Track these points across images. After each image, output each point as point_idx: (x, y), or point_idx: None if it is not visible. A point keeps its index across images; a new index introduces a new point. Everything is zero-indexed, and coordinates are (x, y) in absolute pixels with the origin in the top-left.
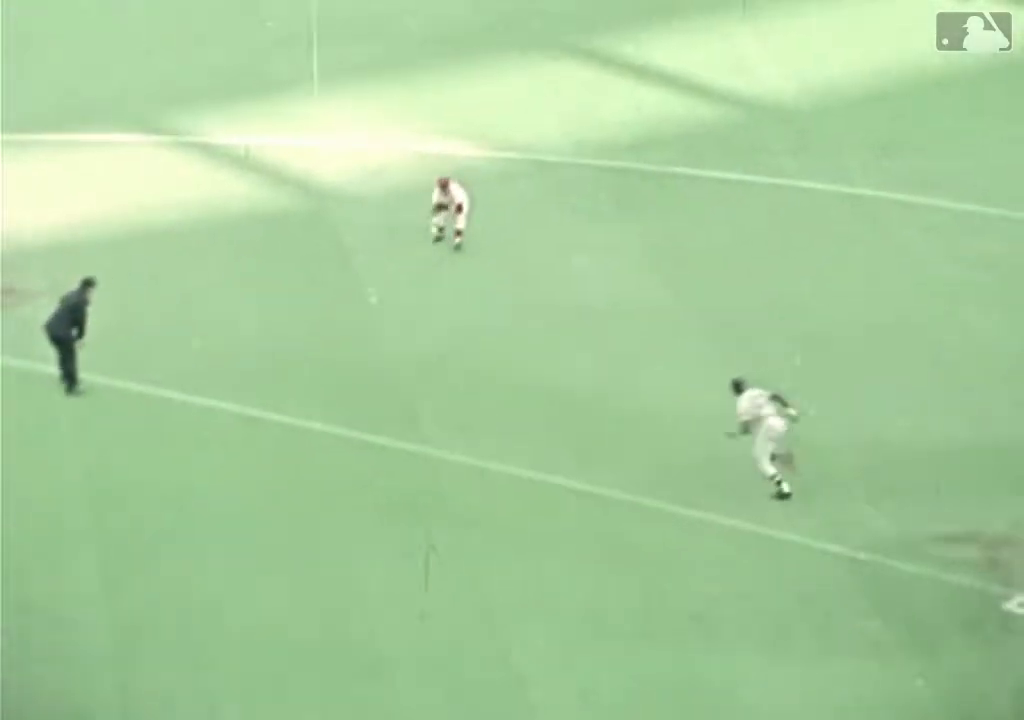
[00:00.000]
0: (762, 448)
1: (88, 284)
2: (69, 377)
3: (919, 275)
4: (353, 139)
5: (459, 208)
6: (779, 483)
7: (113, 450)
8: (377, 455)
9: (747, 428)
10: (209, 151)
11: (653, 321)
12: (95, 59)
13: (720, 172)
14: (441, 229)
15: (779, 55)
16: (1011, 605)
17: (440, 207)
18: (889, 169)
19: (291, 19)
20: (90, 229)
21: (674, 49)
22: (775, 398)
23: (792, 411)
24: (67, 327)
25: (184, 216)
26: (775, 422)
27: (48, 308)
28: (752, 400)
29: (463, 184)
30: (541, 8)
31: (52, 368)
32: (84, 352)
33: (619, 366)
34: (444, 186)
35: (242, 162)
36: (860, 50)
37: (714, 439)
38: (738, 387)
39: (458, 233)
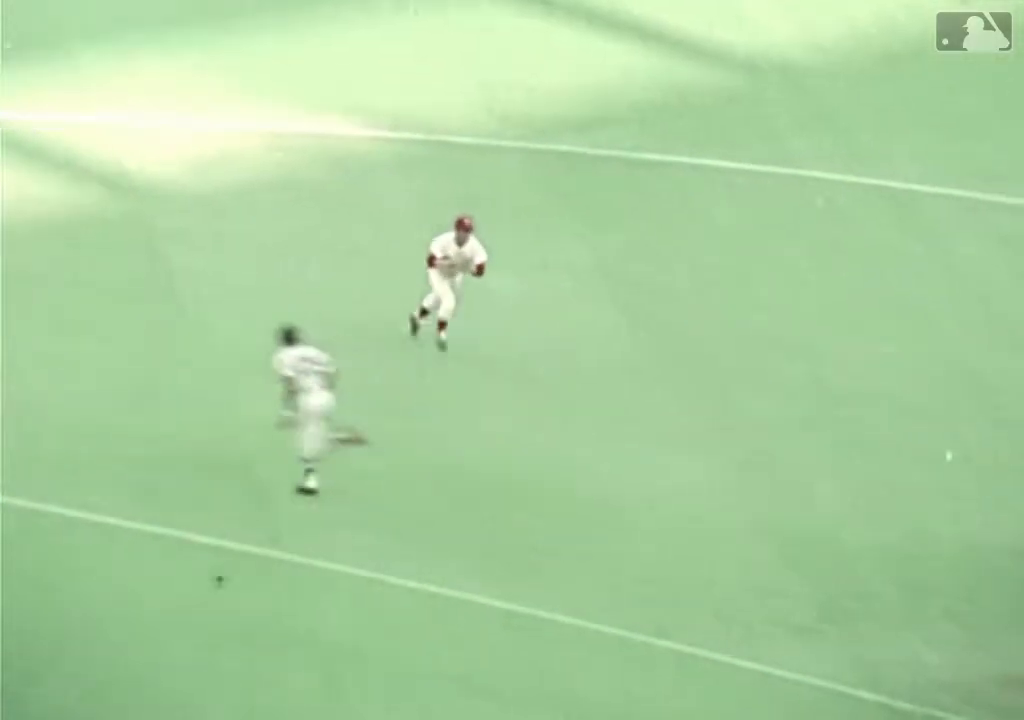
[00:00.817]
0: (304, 425)
1: None
2: None
3: (987, 306)
4: (181, 115)
5: (479, 269)
6: (309, 473)
7: None
8: (221, 564)
9: (291, 386)
10: None
11: (607, 370)
12: None
13: (705, 158)
14: (426, 313)
15: None
16: None
17: (431, 261)
18: (944, 155)
19: None
20: None
21: None
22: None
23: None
24: None
25: None
26: (314, 399)
27: None
28: (300, 361)
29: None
30: None
31: None
32: None
33: (558, 436)
34: (469, 229)
35: (20, 148)
36: None
37: (700, 547)
38: (289, 337)
39: (442, 326)
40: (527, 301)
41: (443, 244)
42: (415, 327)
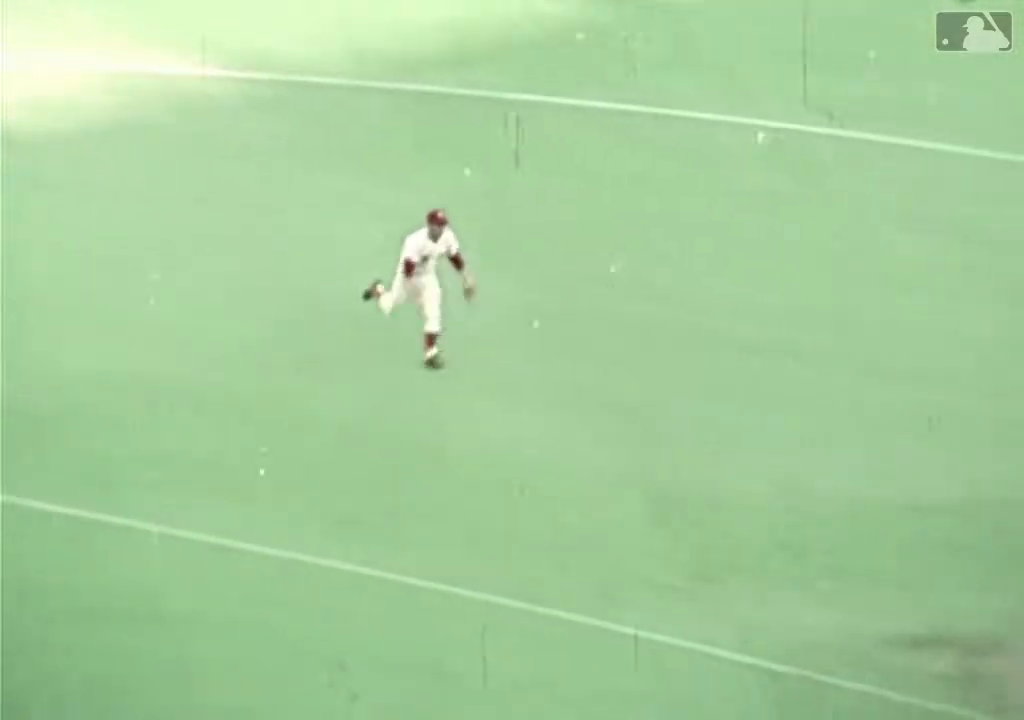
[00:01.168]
0: None
1: None
2: None
3: (869, 248)
4: (11, 55)
5: (455, 262)
6: None
7: None
8: (46, 531)
9: None
10: None
11: (473, 319)
12: None
13: (572, 97)
14: (377, 292)
15: None
16: None
17: (410, 268)
18: (822, 93)
19: None
20: None
21: None
22: None
23: None
24: None
25: None
26: None
27: None
28: None
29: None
30: None
31: None
32: None
33: (419, 391)
34: (443, 222)
35: None
36: None
37: (568, 505)
38: None
39: (431, 341)
40: (391, 250)
41: (419, 245)
42: (368, 295)
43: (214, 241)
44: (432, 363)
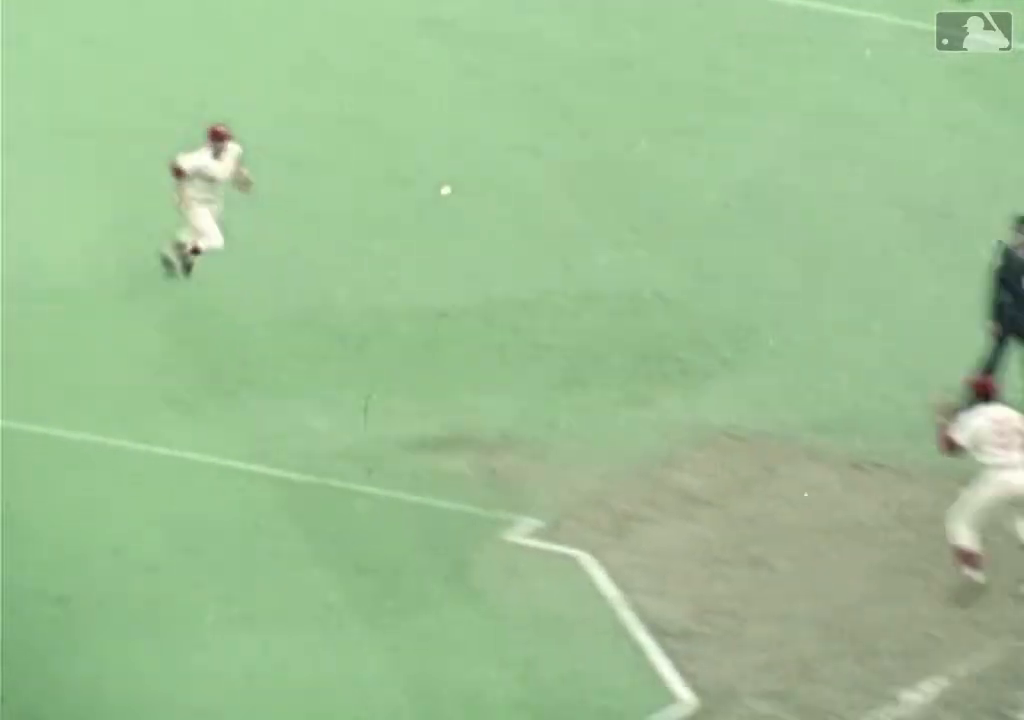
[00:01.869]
0: None
1: None
2: None
3: (389, 58)
4: None
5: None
6: None
7: None
8: None
9: None
10: None
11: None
12: None
13: None
14: (183, 248)
15: None
16: (514, 535)
17: (178, 172)
18: None
19: None
20: None
21: None
22: None
23: None
24: None
25: None
26: None
27: None
28: None
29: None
30: None
31: None
32: None
33: None
34: (224, 137)
35: None
36: None
37: (68, 318)
38: None
39: (195, 251)
40: None
41: (201, 163)
42: (188, 267)
43: None
44: (188, 268)
